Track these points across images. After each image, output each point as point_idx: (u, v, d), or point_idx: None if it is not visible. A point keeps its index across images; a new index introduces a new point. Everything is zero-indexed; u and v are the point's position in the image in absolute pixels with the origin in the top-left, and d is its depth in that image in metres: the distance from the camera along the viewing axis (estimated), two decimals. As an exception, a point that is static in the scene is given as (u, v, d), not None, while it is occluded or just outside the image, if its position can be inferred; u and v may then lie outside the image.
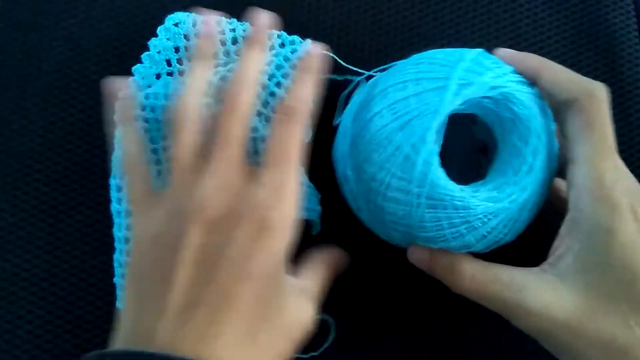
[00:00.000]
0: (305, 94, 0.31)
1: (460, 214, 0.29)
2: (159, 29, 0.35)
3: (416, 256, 0.32)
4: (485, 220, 0.29)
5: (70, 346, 0.36)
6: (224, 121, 0.29)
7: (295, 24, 0.38)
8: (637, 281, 0.27)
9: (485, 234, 0.29)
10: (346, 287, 0.36)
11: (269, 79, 0.34)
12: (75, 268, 0.31)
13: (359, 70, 0.38)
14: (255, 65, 0.31)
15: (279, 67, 0.35)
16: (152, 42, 0.35)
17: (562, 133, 0.30)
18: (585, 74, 0.40)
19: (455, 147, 0.36)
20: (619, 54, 0.41)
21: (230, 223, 0.27)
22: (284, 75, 0.34)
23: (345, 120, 0.33)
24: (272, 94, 0.34)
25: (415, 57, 0.32)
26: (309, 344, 0.34)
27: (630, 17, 0.42)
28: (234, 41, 0.36)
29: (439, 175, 0.29)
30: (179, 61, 0.36)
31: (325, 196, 0.35)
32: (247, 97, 0.30)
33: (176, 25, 0.36)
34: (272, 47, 0.36)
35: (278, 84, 0.34)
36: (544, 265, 0.29)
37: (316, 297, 0.31)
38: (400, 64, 0.32)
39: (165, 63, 0.36)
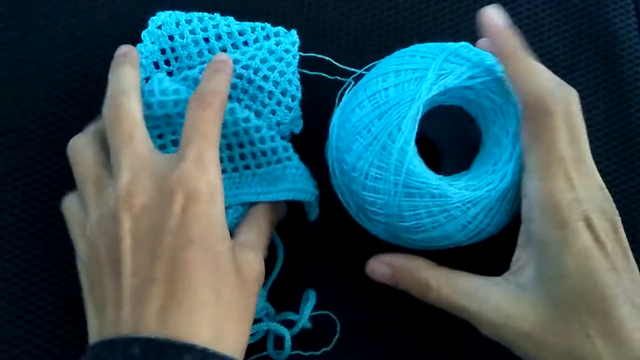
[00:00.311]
0: (213, 86, 0.31)
1: (437, 202, 0.29)
2: (143, 34, 0.36)
3: (377, 271, 0.33)
4: (464, 209, 0.29)
5: (70, 346, 0.36)
6: (114, 124, 0.31)
7: (296, 24, 0.38)
8: (595, 290, 0.27)
9: (466, 223, 0.29)
10: (346, 285, 0.36)
11: (255, 73, 0.35)
12: (75, 268, 0.31)
13: (354, 69, 0.38)
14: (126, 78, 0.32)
15: (264, 61, 0.35)
16: (139, 49, 0.36)
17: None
18: (586, 74, 0.40)
19: (454, 146, 0.36)
20: (619, 54, 0.41)
21: (161, 201, 0.28)
22: (270, 69, 0.35)
23: (335, 116, 0.34)
24: (259, 88, 0.35)
25: (400, 51, 0.33)
26: (310, 342, 0.35)
27: (630, 17, 0.42)
28: (218, 37, 0.36)
29: (415, 163, 0.29)
30: (167, 62, 0.36)
31: (324, 193, 0.35)
32: (130, 102, 0.31)
33: (159, 27, 0.36)
34: (256, 40, 0.36)
35: (265, 78, 0.35)
36: (507, 275, 0.30)
37: (262, 247, 0.32)
38: (386, 58, 0.33)
39: (153, 66, 0.36)
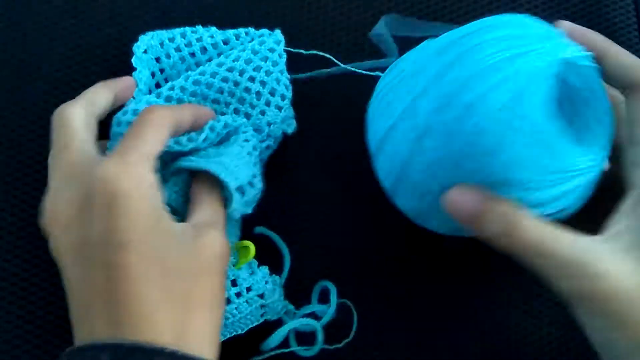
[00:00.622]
0: (154, 114, 0.31)
1: (558, 160, 0.27)
2: (134, 61, 0.36)
3: (460, 199, 0.28)
4: (573, 176, 0.28)
5: (70, 346, 0.35)
6: (53, 133, 0.32)
7: (296, 24, 0.38)
8: None
9: (566, 191, 0.28)
10: (358, 274, 0.37)
11: (240, 75, 0.35)
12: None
13: (357, 70, 0.38)
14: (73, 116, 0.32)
15: (248, 62, 0.35)
16: (135, 77, 0.36)
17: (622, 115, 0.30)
18: (586, 73, 0.40)
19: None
20: (619, 53, 0.41)
21: (86, 209, 0.28)
22: (256, 69, 0.35)
23: (414, 62, 0.31)
24: (246, 89, 0.35)
25: (505, 16, 0.31)
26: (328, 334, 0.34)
27: (630, 17, 0.42)
28: (203, 50, 0.37)
29: (555, 113, 0.27)
30: (158, 86, 0.37)
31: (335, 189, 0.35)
32: (72, 111, 0.32)
33: (145, 52, 0.36)
34: (238, 37, 0.37)
35: (251, 79, 0.35)
36: (602, 237, 0.28)
37: (220, 222, 0.31)
38: (487, 18, 0.30)
39: (148, 91, 0.37)
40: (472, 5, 0.41)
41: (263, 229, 0.36)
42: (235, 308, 0.32)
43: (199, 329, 0.27)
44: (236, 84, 0.35)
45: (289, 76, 0.36)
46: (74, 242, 0.28)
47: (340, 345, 0.35)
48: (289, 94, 0.36)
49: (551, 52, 0.27)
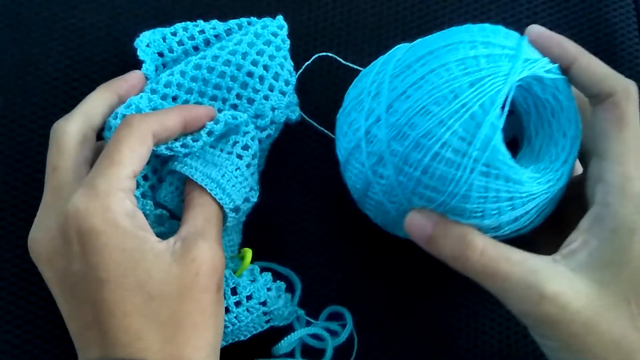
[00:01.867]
0: (132, 128, 0.30)
1: (510, 188, 0.27)
2: (139, 54, 0.35)
3: (416, 223, 0.29)
4: (525, 201, 0.28)
5: (70, 346, 0.35)
6: (48, 150, 0.31)
7: (296, 22, 0.38)
8: None
9: (519, 216, 0.28)
10: (356, 282, 0.36)
11: (243, 58, 0.33)
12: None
13: (359, 68, 0.38)
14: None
15: (251, 45, 0.34)
16: (145, 72, 0.35)
17: (586, 126, 0.29)
18: (586, 73, 0.40)
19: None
20: (619, 54, 0.41)
21: (63, 244, 0.27)
22: (259, 53, 0.34)
23: (373, 83, 0.31)
24: (249, 73, 0.33)
25: (474, 25, 0.30)
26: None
27: (630, 17, 0.42)
28: (206, 42, 0.36)
29: (501, 141, 0.27)
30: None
31: (330, 191, 0.35)
32: (67, 127, 0.31)
33: (148, 46, 0.36)
34: (240, 27, 0.36)
35: (254, 63, 0.34)
36: (556, 257, 0.28)
37: (213, 232, 0.30)
38: (459, 28, 0.30)
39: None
40: (473, 5, 0.41)
41: (271, 265, 0.36)
42: (235, 317, 0.32)
43: (192, 347, 0.27)
44: (239, 67, 0.34)
45: (292, 63, 0.35)
46: (59, 277, 0.28)
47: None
48: (293, 80, 0.35)
49: (512, 72, 0.27)
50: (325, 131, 0.37)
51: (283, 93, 0.34)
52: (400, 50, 0.31)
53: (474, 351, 0.36)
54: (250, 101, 0.34)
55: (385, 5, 0.41)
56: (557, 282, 0.27)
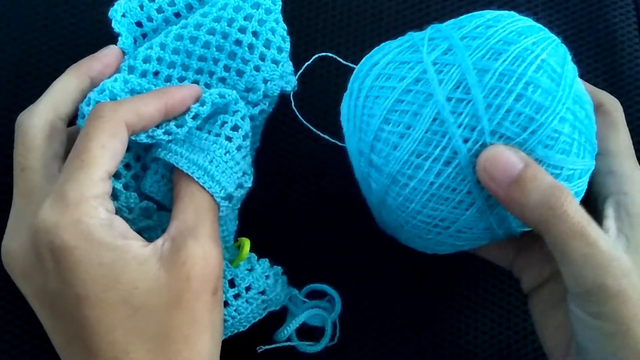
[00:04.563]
0: (102, 119, 0.27)
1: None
2: (113, 26, 0.32)
3: (502, 159, 0.25)
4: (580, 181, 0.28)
5: None
6: (14, 147, 0.29)
7: (296, 22, 0.38)
8: None
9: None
10: (349, 285, 0.36)
11: (229, 25, 0.30)
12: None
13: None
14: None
15: (237, 9, 0.30)
16: (121, 46, 0.32)
17: None
18: (586, 73, 0.41)
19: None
20: (619, 54, 0.41)
21: (36, 260, 0.25)
22: (247, 18, 0.30)
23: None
24: (237, 42, 0.30)
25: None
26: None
27: (630, 17, 0.42)
28: (189, 7, 0.33)
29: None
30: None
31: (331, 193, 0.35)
32: (31, 121, 0.29)
33: (124, 16, 0.32)
34: None
35: (242, 30, 0.30)
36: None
37: (206, 229, 0.27)
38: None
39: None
40: (473, 5, 0.41)
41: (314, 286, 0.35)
42: (235, 310, 0.30)
43: (186, 355, 0.25)
44: (225, 36, 0.30)
45: (285, 27, 0.32)
46: (36, 292, 0.26)
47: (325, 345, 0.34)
48: (287, 46, 0.31)
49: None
50: (322, 135, 0.37)
51: (276, 62, 0.31)
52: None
53: (474, 351, 0.36)
54: (240, 73, 0.31)
55: (386, 5, 0.41)
56: (630, 259, 0.25)
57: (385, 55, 0.29)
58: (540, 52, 0.26)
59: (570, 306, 0.27)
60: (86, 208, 0.25)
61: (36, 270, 0.26)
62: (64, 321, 0.25)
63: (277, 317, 0.33)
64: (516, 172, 0.25)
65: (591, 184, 0.29)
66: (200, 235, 0.27)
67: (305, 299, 0.34)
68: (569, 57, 0.28)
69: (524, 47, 0.26)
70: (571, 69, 0.28)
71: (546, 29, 0.28)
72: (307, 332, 0.34)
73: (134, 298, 0.25)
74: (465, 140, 0.26)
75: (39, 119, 0.29)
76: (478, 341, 0.36)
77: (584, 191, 0.29)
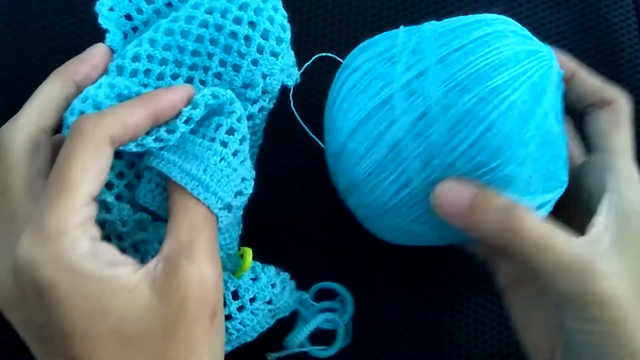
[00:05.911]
0: (83, 135, 0.25)
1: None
2: (100, 21, 0.30)
3: (450, 192, 0.26)
4: (560, 191, 0.29)
5: None
6: None
7: (296, 22, 0.38)
8: None
9: (547, 203, 0.28)
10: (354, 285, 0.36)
11: (223, 16, 0.28)
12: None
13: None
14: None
15: None
16: (109, 43, 0.30)
17: (585, 128, 0.31)
18: (586, 73, 0.40)
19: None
20: (619, 54, 0.41)
21: (18, 292, 0.24)
22: (242, 7, 0.28)
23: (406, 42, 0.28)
24: (232, 34, 0.28)
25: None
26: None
27: (630, 17, 0.42)
28: (168, 4, 0.31)
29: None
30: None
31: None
32: (14, 134, 0.27)
33: (112, 9, 0.30)
34: None
35: (237, 20, 0.28)
36: (589, 238, 0.27)
37: (203, 247, 0.25)
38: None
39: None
40: (473, 5, 0.41)
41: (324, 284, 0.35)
42: (240, 322, 0.29)
43: None
44: (219, 28, 0.28)
45: (285, 14, 0.29)
46: (23, 323, 0.25)
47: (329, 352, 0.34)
48: (287, 36, 0.29)
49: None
50: (315, 138, 0.37)
51: (275, 54, 0.29)
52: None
53: (473, 351, 0.36)
54: (237, 68, 0.28)
55: (386, 5, 0.41)
56: (608, 260, 0.25)
57: (364, 62, 0.29)
58: (511, 92, 0.25)
59: (557, 310, 0.27)
60: (67, 240, 0.23)
61: (20, 304, 0.24)
62: (53, 352, 0.24)
63: (286, 319, 0.33)
64: (467, 202, 0.26)
65: (590, 180, 0.30)
66: (196, 255, 0.25)
67: (314, 302, 0.33)
68: (552, 88, 0.27)
69: (495, 85, 0.26)
70: (549, 105, 0.26)
71: (540, 51, 0.28)
72: (318, 334, 0.34)
73: (124, 328, 0.23)
74: (421, 171, 0.26)
75: (21, 134, 0.27)
76: (478, 341, 0.36)
77: (548, 211, 0.29)
